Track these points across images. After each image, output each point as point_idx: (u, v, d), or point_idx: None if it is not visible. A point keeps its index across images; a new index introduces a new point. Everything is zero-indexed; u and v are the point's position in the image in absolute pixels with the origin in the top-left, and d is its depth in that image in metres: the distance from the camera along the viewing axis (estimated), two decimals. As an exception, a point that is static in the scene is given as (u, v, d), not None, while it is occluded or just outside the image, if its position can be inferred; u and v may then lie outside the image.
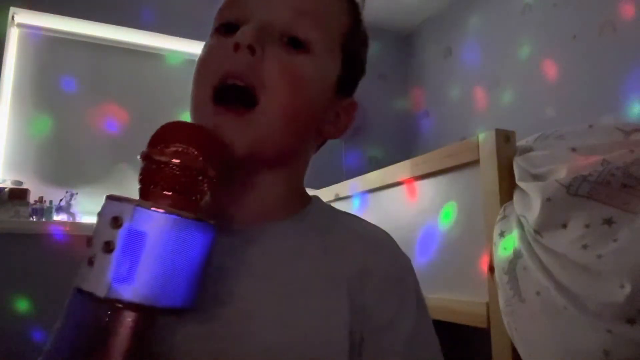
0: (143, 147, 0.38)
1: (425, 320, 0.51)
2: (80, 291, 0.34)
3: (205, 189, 0.38)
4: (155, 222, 0.33)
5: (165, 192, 0.36)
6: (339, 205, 0.93)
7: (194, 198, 0.37)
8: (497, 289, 1.05)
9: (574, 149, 1.01)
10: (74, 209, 2.22)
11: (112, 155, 2.33)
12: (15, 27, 2.38)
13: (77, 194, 2.25)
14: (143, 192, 0.37)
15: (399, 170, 1.47)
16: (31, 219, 2.12)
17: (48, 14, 2.37)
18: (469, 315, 1.15)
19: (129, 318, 0.33)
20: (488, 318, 1.09)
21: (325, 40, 0.51)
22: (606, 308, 0.81)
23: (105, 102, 2.44)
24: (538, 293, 0.94)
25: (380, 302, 0.48)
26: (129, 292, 0.32)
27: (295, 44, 0.49)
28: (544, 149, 1.07)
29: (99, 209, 0.35)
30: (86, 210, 2.25)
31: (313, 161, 0.57)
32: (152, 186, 0.36)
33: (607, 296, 0.81)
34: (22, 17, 2.37)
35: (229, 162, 0.42)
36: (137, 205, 0.34)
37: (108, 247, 0.33)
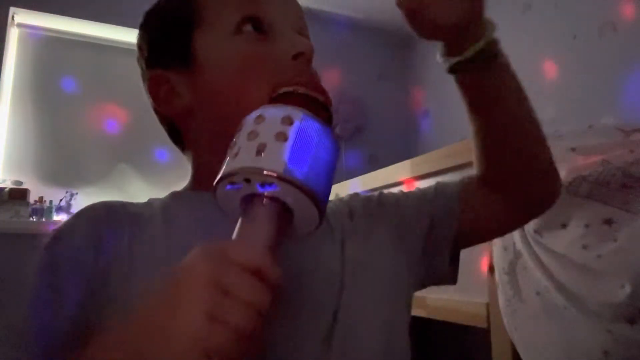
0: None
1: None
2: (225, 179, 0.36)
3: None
4: (317, 127, 0.39)
5: None
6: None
7: None
8: (497, 289, 1.05)
9: (573, 149, 1.01)
10: (74, 209, 2.22)
11: (112, 155, 2.33)
12: (15, 27, 2.38)
13: (77, 194, 2.25)
14: None
15: (399, 170, 1.47)
16: (31, 219, 2.12)
17: (48, 14, 2.37)
18: (469, 315, 1.15)
19: (283, 206, 0.37)
20: (488, 318, 1.09)
21: None
22: (606, 308, 0.81)
23: (105, 102, 2.44)
24: (538, 293, 0.94)
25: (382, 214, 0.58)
26: (302, 174, 0.36)
27: None
28: (544, 149, 1.07)
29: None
30: (86, 210, 2.24)
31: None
32: None
33: (607, 296, 0.80)
34: (22, 17, 2.37)
35: None
36: (304, 112, 0.38)
37: (282, 137, 0.36)
